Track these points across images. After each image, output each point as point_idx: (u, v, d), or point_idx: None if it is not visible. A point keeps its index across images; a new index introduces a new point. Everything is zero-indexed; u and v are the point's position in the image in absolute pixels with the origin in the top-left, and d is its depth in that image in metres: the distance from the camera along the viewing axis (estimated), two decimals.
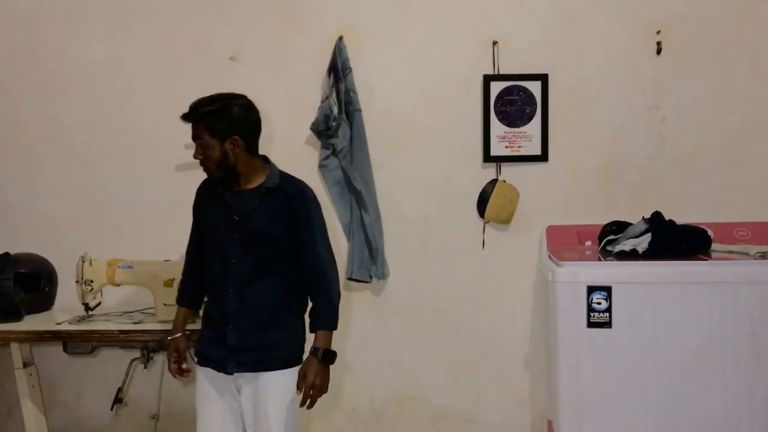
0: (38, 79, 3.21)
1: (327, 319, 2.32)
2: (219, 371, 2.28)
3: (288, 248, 2.29)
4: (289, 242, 2.28)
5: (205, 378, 2.32)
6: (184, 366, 2.39)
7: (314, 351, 2.26)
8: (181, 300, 2.48)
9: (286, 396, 2.28)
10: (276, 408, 2.27)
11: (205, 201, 2.37)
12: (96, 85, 3.19)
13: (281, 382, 2.28)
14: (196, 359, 2.37)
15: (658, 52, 3.08)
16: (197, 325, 2.45)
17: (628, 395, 2.54)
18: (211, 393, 2.31)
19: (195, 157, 2.26)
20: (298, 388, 2.22)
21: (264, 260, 2.26)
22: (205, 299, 2.41)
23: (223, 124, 2.21)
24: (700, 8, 3.07)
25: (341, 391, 3.21)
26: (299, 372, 2.24)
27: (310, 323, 2.33)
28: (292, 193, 2.31)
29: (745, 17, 3.07)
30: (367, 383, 3.19)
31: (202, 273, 2.38)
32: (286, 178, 2.33)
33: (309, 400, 2.21)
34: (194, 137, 2.25)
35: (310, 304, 2.35)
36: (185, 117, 2.25)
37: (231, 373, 2.27)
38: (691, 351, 2.51)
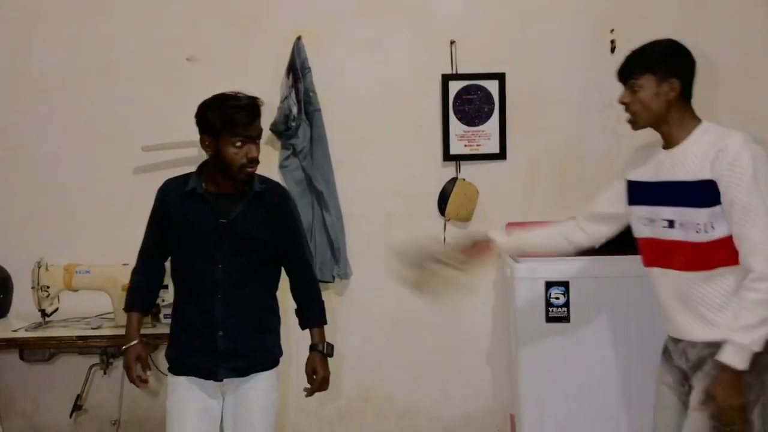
0: None
1: (321, 315, 2.40)
2: (205, 378, 2.24)
3: (273, 252, 2.29)
4: (275, 246, 2.28)
5: (182, 386, 2.26)
6: (148, 374, 2.34)
7: (318, 347, 2.35)
8: (133, 304, 2.36)
9: (270, 397, 2.32)
10: (261, 409, 2.29)
11: (176, 204, 2.25)
12: (50, 88, 3.13)
13: (267, 384, 2.30)
14: (167, 368, 2.31)
15: (612, 50, 3.13)
16: (154, 329, 2.41)
17: (588, 389, 2.59)
18: (189, 400, 2.26)
19: None
20: (309, 382, 2.33)
21: (252, 264, 2.24)
22: (165, 305, 2.36)
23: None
24: (652, 6, 3.14)
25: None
26: (307, 368, 2.34)
27: (304, 321, 2.39)
28: (277, 197, 2.31)
29: (696, 15, 3.14)
30: (332, 383, 3.17)
31: (157, 277, 2.36)
32: (264, 180, 2.31)
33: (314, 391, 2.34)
34: None
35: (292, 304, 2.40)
36: None
37: (221, 380, 2.24)
38: (649, 344, 2.55)
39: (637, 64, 2.04)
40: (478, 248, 2.27)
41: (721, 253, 1.92)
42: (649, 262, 2.11)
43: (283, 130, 3.02)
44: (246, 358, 2.24)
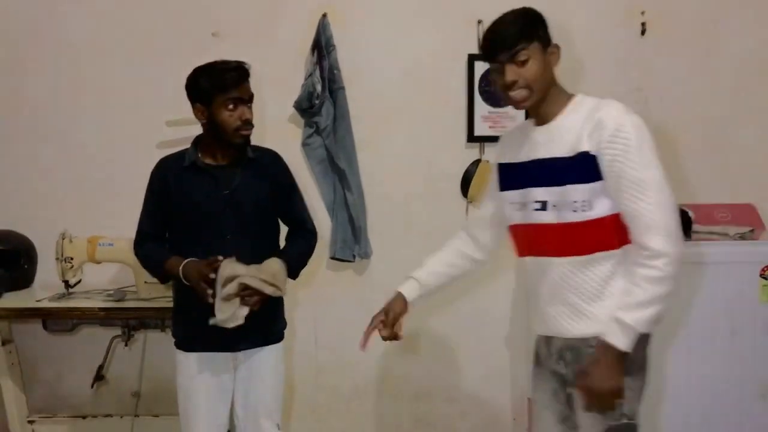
0: (17, 55, 3.15)
1: (297, 262, 2.34)
2: (222, 351, 2.26)
3: (274, 215, 2.34)
4: (274, 209, 2.33)
5: (194, 361, 2.29)
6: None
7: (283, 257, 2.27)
8: (161, 257, 2.25)
9: (279, 368, 2.38)
10: (272, 381, 2.35)
11: (176, 180, 2.25)
12: (76, 62, 3.14)
13: (276, 356, 2.36)
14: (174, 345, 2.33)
15: (642, 33, 3.08)
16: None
17: None
18: (202, 375, 2.29)
19: None
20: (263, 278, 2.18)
21: (257, 231, 2.27)
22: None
23: None
24: None
25: (323, 370, 3.23)
26: (265, 264, 2.21)
27: (279, 255, 2.29)
28: (272, 161, 2.37)
29: None
30: (349, 362, 3.20)
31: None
32: (256, 148, 2.33)
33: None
34: None
35: None
36: None
37: (236, 351, 2.28)
38: (670, 330, 2.54)
39: (521, 34, 1.81)
40: (397, 314, 2.08)
41: (598, 235, 1.76)
42: (521, 251, 1.94)
43: (307, 108, 3.01)
44: (260, 328, 2.26)
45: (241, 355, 2.30)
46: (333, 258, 3.09)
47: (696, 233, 2.77)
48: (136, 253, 2.35)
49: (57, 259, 2.81)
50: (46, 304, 2.81)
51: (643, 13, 3.06)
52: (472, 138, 3.12)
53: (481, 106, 3.10)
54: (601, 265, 1.78)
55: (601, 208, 1.75)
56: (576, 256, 1.79)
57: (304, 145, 3.09)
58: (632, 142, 1.70)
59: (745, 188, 3.07)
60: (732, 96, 3.10)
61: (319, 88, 2.98)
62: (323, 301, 3.17)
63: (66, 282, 2.86)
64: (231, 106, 2.17)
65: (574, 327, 1.82)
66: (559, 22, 3.02)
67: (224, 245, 2.22)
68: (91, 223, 2.98)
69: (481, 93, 3.09)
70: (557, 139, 1.81)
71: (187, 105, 2.24)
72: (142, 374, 3.10)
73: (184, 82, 2.23)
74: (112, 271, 3.07)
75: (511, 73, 1.80)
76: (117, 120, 3.13)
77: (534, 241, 1.88)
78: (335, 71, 3.02)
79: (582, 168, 1.75)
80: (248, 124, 2.22)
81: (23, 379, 3.13)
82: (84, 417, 3.13)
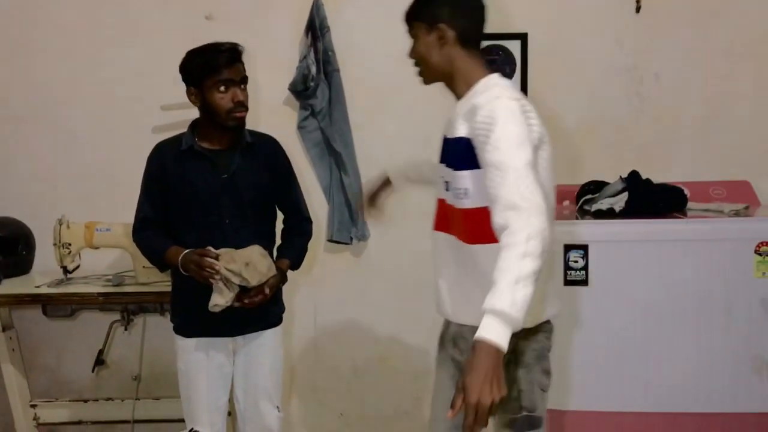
0: (11, 41, 3.13)
1: (298, 256, 2.40)
2: (221, 336, 2.28)
3: (271, 201, 2.35)
4: (273, 195, 2.34)
5: (193, 346, 2.30)
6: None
7: (280, 271, 2.28)
8: (160, 245, 2.25)
9: (278, 352, 2.40)
10: (271, 365, 2.37)
11: (174, 165, 2.24)
12: (70, 47, 3.12)
13: (275, 340, 2.38)
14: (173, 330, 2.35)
15: (638, 10, 3.07)
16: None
17: (605, 352, 2.59)
18: (202, 360, 2.30)
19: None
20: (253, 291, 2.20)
21: (255, 216, 2.28)
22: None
23: None
24: None
25: (323, 351, 3.25)
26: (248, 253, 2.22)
27: (281, 253, 2.36)
28: (271, 147, 2.36)
29: None
30: (348, 343, 3.22)
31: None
32: (254, 133, 2.34)
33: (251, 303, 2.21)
34: None
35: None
36: None
37: (235, 335, 2.29)
38: (666, 308, 2.56)
39: (408, 13, 1.82)
40: (383, 192, 2.28)
41: (481, 225, 1.66)
42: (434, 225, 1.89)
43: (302, 90, 3.00)
44: (258, 312, 2.27)
45: (240, 339, 2.32)
46: (330, 240, 3.10)
47: (691, 210, 2.78)
48: (135, 240, 2.35)
49: (55, 245, 2.82)
50: (45, 290, 2.82)
51: None
52: None
53: None
54: (484, 256, 1.67)
55: (482, 198, 1.66)
56: (466, 243, 1.75)
57: (300, 128, 3.08)
58: (498, 126, 1.60)
59: (740, 165, 3.07)
60: (727, 73, 3.09)
61: (314, 70, 2.97)
62: (321, 283, 3.18)
63: (64, 268, 2.87)
64: (222, 88, 2.16)
65: (466, 314, 1.78)
66: (553, 1, 3.06)
67: (222, 229, 2.23)
68: (89, 208, 2.98)
69: None
70: (452, 121, 1.79)
71: (182, 89, 2.24)
72: (142, 358, 3.12)
73: (178, 65, 2.23)
74: (111, 256, 3.07)
75: (409, 48, 1.85)
76: (112, 105, 3.12)
77: (443, 217, 1.85)
78: (330, 53, 3.01)
79: (463, 153, 1.70)
80: (241, 105, 2.19)
81: (24, 364, 3.15)
82: (85, 401, 3.15)
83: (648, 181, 2.82)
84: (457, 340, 1.87)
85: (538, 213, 1.51)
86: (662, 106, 3.11)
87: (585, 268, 2.54)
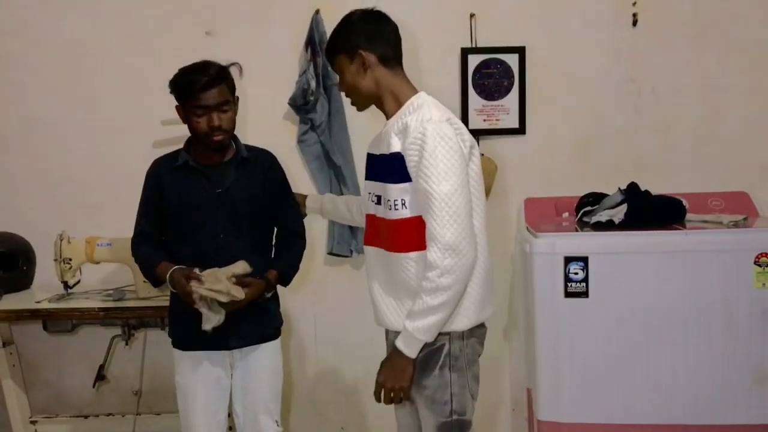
0: (8, 57, 3.15)
1: (289, 270, 2.38)
2: (216, 349, 2.27)
3: (266, 215, 2.34)
4: (268, 210, 2.33)
5: (191, 360, 2.31)
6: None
7: (266, 279, 2.27)
8: (153, 260, 2.26)
9: (277, 366, 2.39)
10: (269, 379, 2.37)
11: (170, 180, 2.26)
12: (69, 63, 3.14)
13: (273, 353, 2.37)
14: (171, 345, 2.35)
15: (634, 23, 3.09)
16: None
17: (605, 363, 2.59)
18: (199, 374, 2.30)
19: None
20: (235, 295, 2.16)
21: (250, 231, 2.29)
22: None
23: None
24: None
25: (323, 364, 3.25)
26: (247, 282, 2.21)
27: (271, 265, 2.33)
28: (266, 161, 2.36)
29: None
30: (349, 356, 3.22)
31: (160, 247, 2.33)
32: (251, 148, 2.35)
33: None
34: None
35: None
36: None
37: (231, 348, 2.29)
38: (666, 319, 2.56)
39: (328, 49, 2.00)
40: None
41: (410, 234, 1.85)
42: (365, 240, 2.04)
43: (302, 104, 3.02)
44: (254, 326, 2.28)
45: (237, 353, 2.32)
46: (330, 253, 3.10)
47: (690, 222, 2.78)
48: (133, 254, 2.37)
49: (55, 260, 2.82)
50: (45, 305, 2.82)
51: (634, 3, 3.07)
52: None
53: (475, 99, 3.11)
54: (416, 263, 1.85)
55: (413, 208, 1.83)
56: (396, 252, 1.89)
57: (300, 141, 3.10)
58: (427, 151, 1.76)
59: (739, 176, 3.09)
60: (724, 84, 3.11)
61: (313, 84, 2.99)
62: (321, 296, 3.19)
63: (65, 283, 2.87)
64: (200, 112, 2.17)
65: (396, 321, 1.91)
66: (551, 15, 3.08)
67: (217, 244, 2.24)
68: (89, 223, 2.99)
69: (475, 86, 3.10)
70: (384, 138, 1.91)
71: None
72: (142, 373, 3.11)
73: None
74: (111, 271, 3.08)
75: (338, 82, 2.01)
76: (113, 120, 3.13)
77: (373, 232, 1.98)
78: (329, 67, 3.02)
79: (394, 168, 1.84)
80: (218, 129, 2.18)
81: (25, 380, 3.14)
82: (86, 416, 3.15)
83: (647, 192, 2.82)
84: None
85: (454, 250, 1.76)
86: (660, 117, 3.13)
87: (585, 279, 2.54)
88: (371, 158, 2.02)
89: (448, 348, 1.88)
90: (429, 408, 1.90)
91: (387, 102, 1.93)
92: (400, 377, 1.85)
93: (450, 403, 1.88)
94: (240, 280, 2.17)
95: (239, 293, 2.13)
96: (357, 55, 1.90)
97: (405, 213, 1.84)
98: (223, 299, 2.12)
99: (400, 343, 1.83)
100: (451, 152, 1.77)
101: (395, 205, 1.85)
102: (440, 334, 1.86)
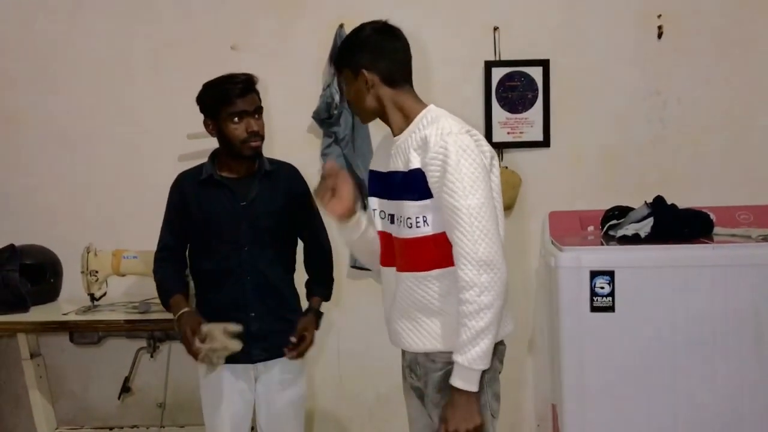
0: (39, 71, 3.21)
1: (328, 289, 2.43)
2: (239, 362, 2.27)
3: (290, 229, 2.35)
4: (291, 223, 2.33)
5: (216, 373, 2.28)
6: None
7: (313, 311, 2.34)
8: (170, 291, 2.28)
9: (300, 381, 2.38)
10: (293, 394, 2.36)
11: (194, 194, 2.28)
12: (97, 76, 3.19)
13: (297, 367, 2.35)
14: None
15: (659, 36, 3.07)
16: None
17: (632, 379, 2.56)
18: (223, 387, 2.30)
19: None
20: (297, 340, 2.24)
21: (274, 243, 2.29)
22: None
23: None
24: None
25: (346, 378, 3.24)
26: (299, 325, 2.27)
27: (310, 291, 2.40)
28: (290, 174, 2.38)
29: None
30: (372, 371, 3.21)
31: (182, 269, 2.37)
32: (274, 161, 2.36)
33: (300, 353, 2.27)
34: None
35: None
36: None
37: (255, 362, 2.29)
38: (693, 334, 2.53)
39: (335, 60, 1.95)
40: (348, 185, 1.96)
41: (433, 252, 1.78)
42: (381, 260, 1.96)
43: (325, 118, 3.03)
44: (277, 338, 2.27)
45: (260, 366, 2.32)
46: (354, 267, 3.10)
47: (717, 236, 2.75)
48: (154, 270, 2.38)
49: (82, 272, 2.85)
50: (72, 317, 2.84)
51: (659, 16, 3.05)
52: (490, 144, 3.11)
53: (498, 112, 3.11)
54: (438, 281, 1.80)
55: (434, 225, 1.77)
56: (415, 271, 1.82)
57: (323, 155, 3.10)
58: (450, 165, 1.70)
59: (767, 189, 3.04)
60: (750, 96, 3.08)
61: (337, 98, 3.00)
62: (344, 310, 3.18)
63: (91, 295, 2.90)
64: (236, 119, 2.19)
65: (416, 342, 1.86)
66: (575, 27, 3.07)
67: (240, 257, 2.25)
68: (115, 236, 3.03)
69: (499, 99, 3.10)
70: (397, 153, 1.84)
71: None
72: (167, 385, 3.12)
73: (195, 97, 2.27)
74: (137, 284, 3.10)
75: (345, 91, 1.98)
76: (140, 134, 3.18)
77: (389, 251, 1.91)
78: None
79: (413, 184, 1.77)
80: (255, 135, 2.22)
81: (51, 392, 3.17)
82: (111, 428, 3.16)
83: (673, 206, 2.79)
84: (413, 367, 1.92)
85: (487, 265, 1.69)
86: (686, 130, 3.10)
87: (611, 294, 2.52)
88: (378, 176, 1.94)
89: None
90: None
91: (392, 117, 1.87)
92: (470, 417, 1.75)
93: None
94: (299, 327, 2.26)
95: (236, 345, 2.16)
96: (360, 74, 1.84)
97: (427, 230, 1.78)
98: (224, 354, 2.16)
99: (458, 382, 1.73)
100: (475, 165, 1.72)
101: (416, 222, 1.79)
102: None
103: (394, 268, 1.90)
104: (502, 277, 1.71)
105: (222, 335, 2.14)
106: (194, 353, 2.14)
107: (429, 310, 1.82)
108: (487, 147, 1.83)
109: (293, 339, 2.24)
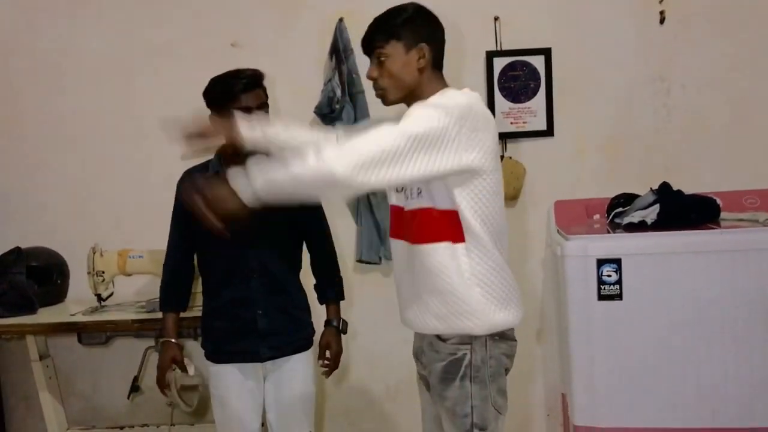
0: (40, 72, 3.22)
1: (340, 291, 2.45)
2: (249, 361, 2.28)
3: (295, 227, 2.35)
4: (296, 221, 2.33)
5: (224, 373, 2.31)
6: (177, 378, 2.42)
7: (333, 322, 2.39)
8: (168, 303, 2.39)
9: (309, 376, 2.38)
10: (302, 389, 2.36)
11: None
12: (98, 76, 3.19)
13: (306, 364, 2.37)
14: (204, 357, 2.37)
15: (662, 21, 3.05)
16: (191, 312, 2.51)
17: (641, 366, 2.55)
18: (232, 386, 2.31)
19: None
20: (321, 356, 2.36)
21: (281, 241, 2.29)
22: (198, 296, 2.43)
23: None
24: None
25: (355, 372, 3.24)
26: (321, 342, 2.37)
27: (321, 295, 2.43)
28: None
29: None
30: (380, 364, 3.21)
31: (189, 271, 2.40)
32: None
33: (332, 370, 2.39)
34: None
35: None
36: None
37: (263, 360, 2.29)
38: (702, 320, 2.52)
39: (380, 32, 1.82)
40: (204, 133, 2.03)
41: (437, 223, 1.74)
42: (391, 232, 1.95)
43: (327, 113, 3.02)
44: (285, 337, 2.28)
45: (269, 364, 2.32)
46: (360, 261, 3.10)
47: (724, 221, 2.74)
48: (163, 273, 2.42)
49: (89, 273, 2.86)
50: (80, 318, 2.85)
51: (661, 1, 3.03)
52: None
53: (501, 102, 3.10)
54: (445, 256, 1.75)
55: (436, 200, 1.74)
56: (418, 243, 1.79)
57: None
58: (421, 104, 1.72)
59: None
60: (755, 81, 3.06)
61: (338, 92, 2.99)
62: (351, 303, 3.17)
63: (98, 295, 2.90)
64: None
65: (418, 321, 1.84)
66: (576, 15, 3.05)
67: (248, 255, 2.24)
68: (121, 236, 3.03)
69: (501, 89, 3.09)
70: None
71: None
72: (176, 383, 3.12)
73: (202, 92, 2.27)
74: (144, 283, 3.10)
75: (371, 69, 1.86)
76: (143, 132, 3.17)
77: (398, 223, 1.89)
78: (354, 75, 3.03)
79: None
80: None
81: (61, 392, 3.18)
82: (121, 428, 3.17)
83: (679, 192, 2.78)
84: (419, 356, 1.92)
85: (347, 164, 1.59)
86: (690, 116, 3.08)
87: (619, 282, 2.51)
88: None
89: (469, 358, 1.78)
90: (450, 420, 1.82)
91: (418, 96, 1.83)
92: (216, 189, 1.72)
93: (470, 416, 1.79)
94: (321, 344, 2.38)
95: (185, 407, 2.42)
96: (418, 48, 1.80)
97: (421, 202, 1.76)
98: (176, 404, 2.40)
99: (242, 180, 1.70)
100: (435, 116, 1.66)
101: (411, 194, 1.79)
102: (461, 342, 1.79)
103: (401, 241, 1.88)
104: (333, 179, 1.61)
105: (174, 388, 2.35)
106: (162, 386, 2.36)
107: (435, 287, 1.78)
108: (481, 108, 1.77)
109: (321, 363, 2.38)
